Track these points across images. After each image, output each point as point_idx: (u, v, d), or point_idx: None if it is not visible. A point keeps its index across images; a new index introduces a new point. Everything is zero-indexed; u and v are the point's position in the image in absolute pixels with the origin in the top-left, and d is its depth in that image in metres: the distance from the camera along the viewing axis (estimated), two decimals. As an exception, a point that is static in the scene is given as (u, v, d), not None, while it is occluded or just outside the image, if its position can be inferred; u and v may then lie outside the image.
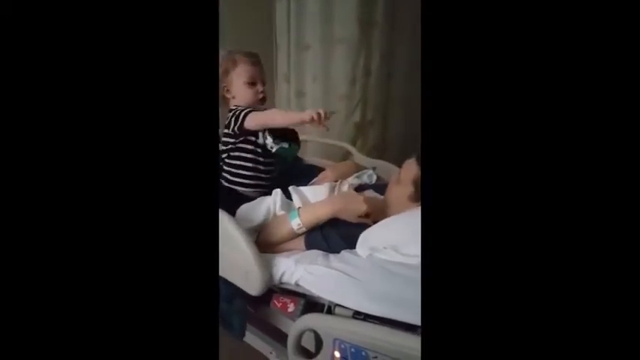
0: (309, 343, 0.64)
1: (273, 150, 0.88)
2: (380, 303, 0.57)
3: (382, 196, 0.83)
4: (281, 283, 0.69)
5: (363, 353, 0.56)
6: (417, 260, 0.60)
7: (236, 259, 0.67)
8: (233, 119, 0.84)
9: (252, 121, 0.82)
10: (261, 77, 0.91)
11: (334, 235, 0.72)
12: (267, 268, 0.68)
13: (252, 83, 0.88)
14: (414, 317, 0.54)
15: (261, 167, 0.90)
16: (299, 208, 0.77)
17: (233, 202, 0.83)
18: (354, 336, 0.57)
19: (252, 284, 0.67)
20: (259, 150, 0.89)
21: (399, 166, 0.81)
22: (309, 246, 0.74)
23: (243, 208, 0.80)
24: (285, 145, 0.88)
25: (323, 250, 0.72)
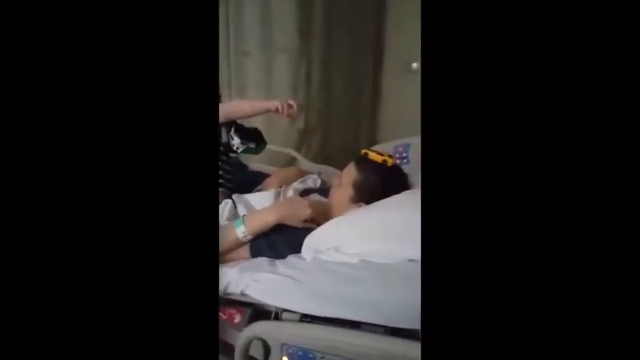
0: (257, 352, 0.63)
1: (239, 150, 0.86)
2: (324, 304, 0.58)
3: (326, 200, 0.85)
4: (226, 294, 0.67)
5: (311, 355, 0.57)
6: (356, 259, 0.62)
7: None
8: None
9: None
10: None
11: (279, 242, 0.72)
12: (211, 279, 0.66)
13: None
14: (357, 314, 0.56)
15: (226, 167, 0.88)
16: (243, 215, 0.76)
17: None
18: (302, 339, 0.58)
19: (195, 298, 0.65)
20: (222, 148, 0.87)
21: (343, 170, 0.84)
22: (255, 254, 0.73)
23: None
24: (252, 144, 0.87)
25: (269, 257, 0.72)
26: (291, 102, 0.74)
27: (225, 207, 0.80)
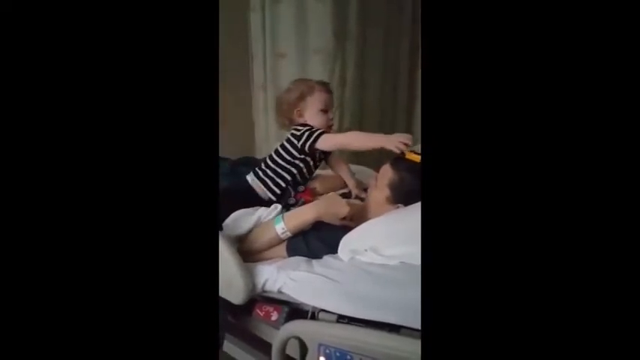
0: (293, 350, 0.64)
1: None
2: (362, 305, 0.57)
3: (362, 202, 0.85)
4: (263, 291, 0.69)
5: (348, 357, 0.56)
6: (396, 261, 0.61)
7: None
8: (306, 134, 0.85)
9: (328, 142, 0.84)
10: (332, 105, 0.94)
11: (315, 241, 0.73)
12: (250, 276, 0.67)
13: (325, 110, 0.90)
14: (396, 318, 0.55)
15: (292, 190, 0.91)
16: (284, 213, 0.77)
17: (248, 202, 0.84)
18: (339, 340, 0.57)
19: (235, 293, 0.66)
20: (306, 175, 0.92)
21: (378, 171, 0.83)
22: (291, 252, 0.74)
23: (236, 215, 0.79)
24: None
25: (305, 256, 0.72)
26: (406, 141, 0.73)
27: (273, 209, 0.81)
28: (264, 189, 0.90)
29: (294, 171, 0.89)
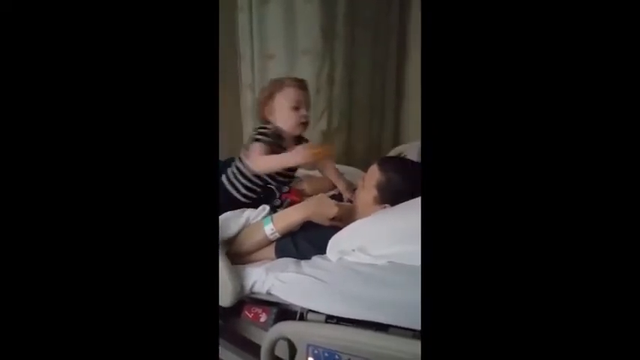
0: (282, 351, 0.64)
1: None
2: (350, 305, 0.58)
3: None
4: (252, 293, 0.69)
5: (337, 357, 0.56)
6: (384, 261, 0.62)
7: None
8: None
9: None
10: (307, 103, 0.89)
11: (304, 242, 0.73)
12: (239, 278, 0.67)
13: (296, 107, 0.87)
14: (385, 317, 0.55)
15: (277, 191, 0.91)
16: (272, 215, 0.77)
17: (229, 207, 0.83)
18: (328, 340, 0.57)
19: (223, 296, 0.66)
20: (280, 179, 0.91)
21: (367, 171, 0.83)
22: (279, 254, 0.74)
23: (224, 217, 0.78)
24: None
25: (293, 257, 0.72)
26: (316, 151, 0.75)
27: (261, 211, 0.81)
28: (236, 194, 0.89)
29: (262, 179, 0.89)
